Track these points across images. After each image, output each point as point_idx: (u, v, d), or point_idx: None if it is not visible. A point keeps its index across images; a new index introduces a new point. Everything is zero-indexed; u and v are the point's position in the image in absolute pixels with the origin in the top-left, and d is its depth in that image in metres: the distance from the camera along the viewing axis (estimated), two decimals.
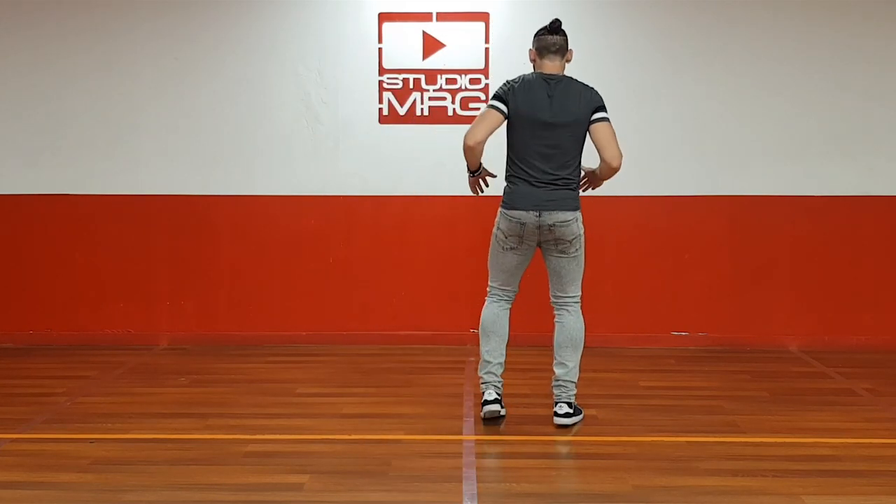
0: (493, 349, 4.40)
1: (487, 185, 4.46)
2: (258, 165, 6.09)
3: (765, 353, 5.92)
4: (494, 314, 4.42)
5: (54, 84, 6.04)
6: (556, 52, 4.26)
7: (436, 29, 5.99)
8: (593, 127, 4.25)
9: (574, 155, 4.28)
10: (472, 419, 4.47)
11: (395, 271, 6.11)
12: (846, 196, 6.01)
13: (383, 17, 6.00)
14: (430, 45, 6.00)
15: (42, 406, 4.70)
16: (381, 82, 6.02)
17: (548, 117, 4.19)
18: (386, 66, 6.01)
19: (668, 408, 4.73)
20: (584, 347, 4.40)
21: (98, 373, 5.41)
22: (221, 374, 5.44)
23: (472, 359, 5.57)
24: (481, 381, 4.42)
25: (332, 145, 6.06)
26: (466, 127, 4.31)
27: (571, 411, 4.35)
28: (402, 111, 6.02)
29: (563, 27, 4.27)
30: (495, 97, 4.27)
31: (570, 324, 4.36)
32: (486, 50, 5.99)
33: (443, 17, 5.99)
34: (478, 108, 5.75)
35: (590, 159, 4.40)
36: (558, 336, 4.38)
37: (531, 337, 5.51)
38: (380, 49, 6.01)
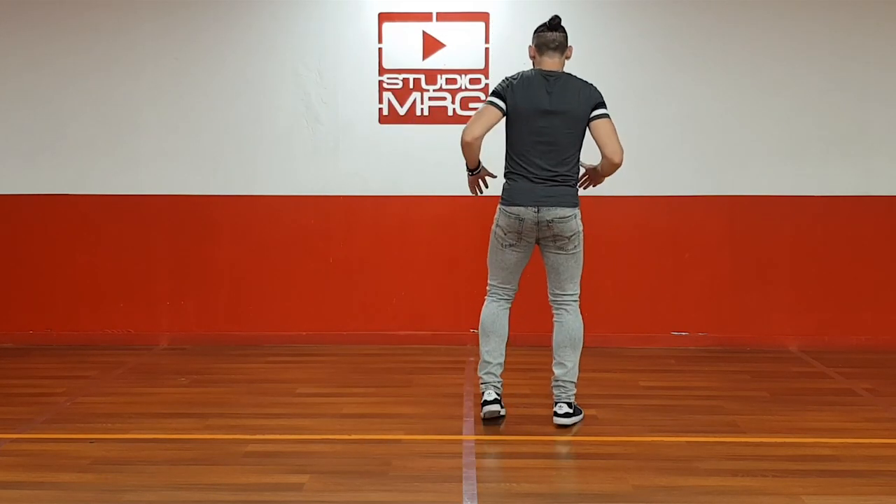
0: (492, 349, 4.40)
1: (487, 186, 4.46)
2: (258, 165, 6.09)
3: (765, 353, 5.92)
4: (494, 314, 4.42)
5: (54, 84, 6.04)
6: (555, 49, 4.26)
7: (436, 29, 6.00)
8: (593, 123, 4.25)
9: (573, 151, 4.28)
10: (472, 419, 4.47)
11: (395, 271, 6.11)
12: (846, 196, 6.01)
13: (383, 17, 6.00)
14: (430, 45, 6.00)
15: (42, 406, 4.70)
16: (381, 82, 6.02)
17: (546, 107, 4.19)
18: (386, 66, 6.02)
19: (668, 408, 4.73)
20: (583, 347, 4.40)
21: (98, 373, 5.41)
22: (221, 374, 5.44)
23: (472, 359, 5.57)
24: (481, 381, 4.42)
25: (332, 145, 6.06)
26: None
27: (571, 411, 4.35)
28: (402, 111, 6.03)
29: (563, 26, 4.27)
30: (494, 93, 4.27)
31: (569, 323, 4.36)
32: (486, 50, 5.99)
33: (443, 17, 5.99)
34: (478, 109, 5.74)
35: (590, 158, 4.40)
36: (557, 336, 4.38)
37: (531, 337, 5.51)
38: (380, 49, 6.01)
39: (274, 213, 6.10)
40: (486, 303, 4.46)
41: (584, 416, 4.45)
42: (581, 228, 4.31)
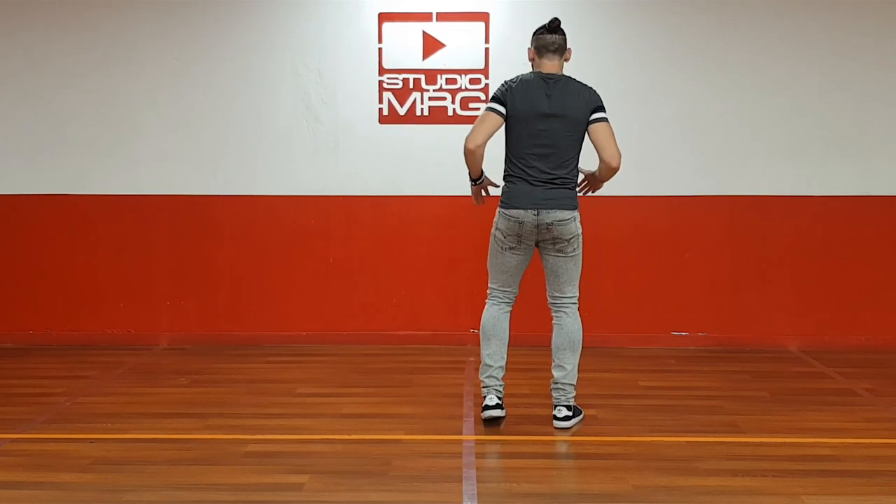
0: (493, 353, 4.39)
1: (489, 195, 4.47)
2: (258, 165, 6.09)
3: (765, 353, 5.92)
4: (495, 317, 4.41)
5: (54, 84, 6.04)
6: (554, 52, 4.26)
7: (436, 29, 6.00)
8: (592, 127, 4.24)
9: (572, 155, 4.28)
10: (472, 419, 4.47)
11: (395, 271, 6.12)
12: (846, 196, 6.01)
13: (383, 17, 6.00)
14: (430, 45, 6.00)
15: (42, 406, 4.70)
16: (381, 82, 6.02)
17: (546, 110, 4.19)
18: (386, 66, 6.02)
19: (668, 408, 4.73)
20: (582, 348, 4.40)
21: (98, 373, 5.41)
22: (221, 374, 5.44)
23: (472, 359, 5.58)
24: (482, 384, 4.41)
25: (332, 145, 6.07)
26: (466, 127, 4.31)
27: (570, 414, 4.34)
28: (402, 111, 6.03)
29: (563, 27, 4.26)
30: (493, 99, 4.27)
31: (568, 326, 4.35)
32: (486, 50, 5.99)
33: (443, 17, 5.99)
34: (478, 108, 5.76)
35: (589, 163, 4.40)
36: (556, 338, 4.37)
37: (531, 337, 5.51)
38: (380, 49, 6.01)
39: (274, 213, 6.10)
40: (486, 306, 4.45)
41: (584, 416, 4.45)
42: (580, 231, 4.31)
